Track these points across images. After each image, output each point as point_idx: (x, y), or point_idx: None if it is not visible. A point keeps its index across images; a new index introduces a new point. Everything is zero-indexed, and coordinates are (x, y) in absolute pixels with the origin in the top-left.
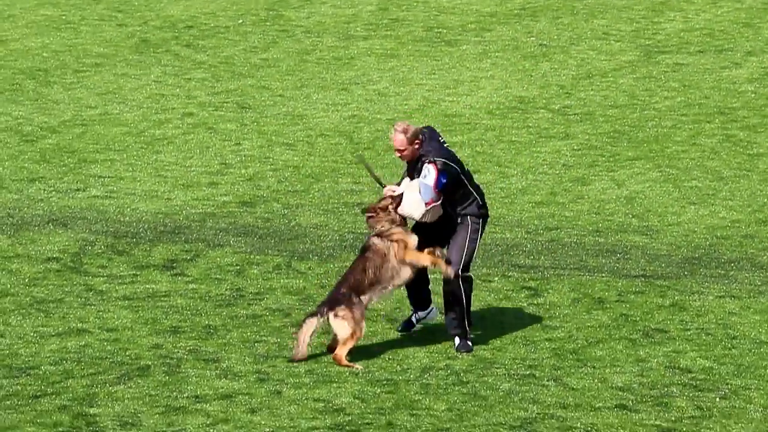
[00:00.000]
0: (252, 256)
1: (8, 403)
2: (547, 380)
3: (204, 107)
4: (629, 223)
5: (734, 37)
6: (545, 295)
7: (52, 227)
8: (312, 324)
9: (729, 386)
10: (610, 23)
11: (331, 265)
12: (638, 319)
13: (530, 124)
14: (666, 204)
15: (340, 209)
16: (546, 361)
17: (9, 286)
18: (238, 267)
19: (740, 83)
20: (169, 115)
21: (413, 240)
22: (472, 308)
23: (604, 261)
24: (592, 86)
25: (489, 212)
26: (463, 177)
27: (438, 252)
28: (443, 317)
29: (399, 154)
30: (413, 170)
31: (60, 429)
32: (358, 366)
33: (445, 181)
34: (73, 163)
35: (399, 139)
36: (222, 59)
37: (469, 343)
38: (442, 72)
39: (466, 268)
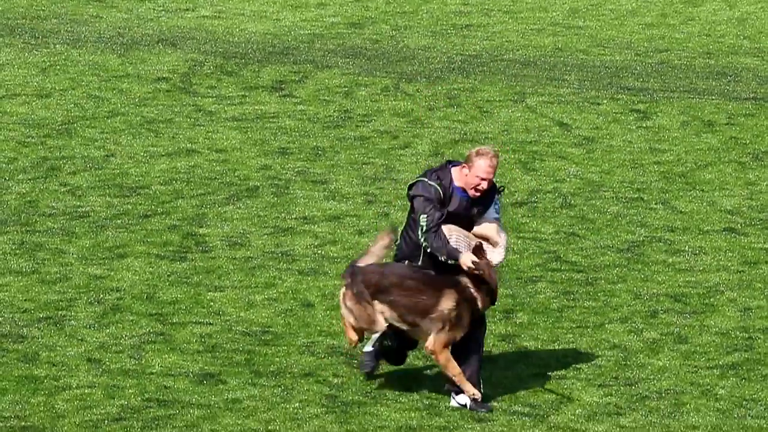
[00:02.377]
0: (360, 78)
1: (119, 221)
2: (655, 203)
3: None
4: (740, 45)
5: None
6: (654, 117)
7: (161, 47)
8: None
9: None
10: None
11: (439, 87)
12: (748, 141)
13: None
14: None
15: (449, 31)
16: (654, 184)
17: (119, 105)
18: (346, 88)
19: None
20: None
21: (459, 334)
22: None
23: (714, 83)
24: None
25: None
26: None
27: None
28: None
29: (485, 186)
30: (470, 208)
31: (170, 248)
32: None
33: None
34: None
35: (493, 165)
36: None
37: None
38: None
39: None
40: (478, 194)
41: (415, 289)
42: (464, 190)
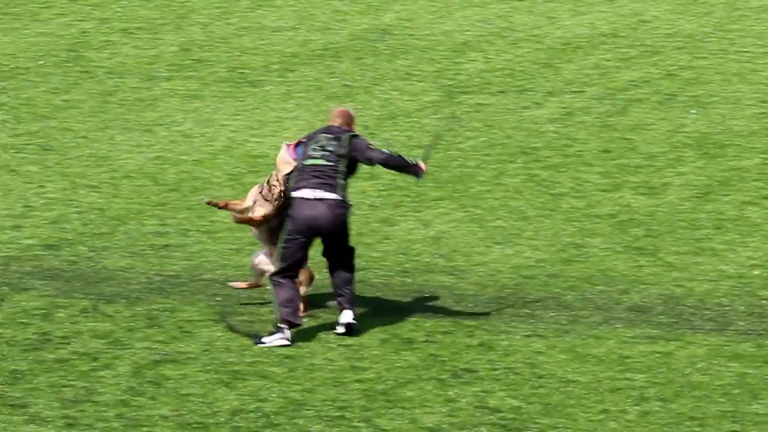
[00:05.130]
0: (58, 300)
1: None
2: (358, 422)
3: (6, 149)
4: (436, 264)
5: (534, 77)
6: (354, 336)
7: None
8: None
9: (537, 425)
10: (412, 64)
11: (139, 308)
12: (447, 359)
13: None
14: (472, 244)
15: (147, 251)
16: (356, 402)
17: None
18: (45, 311)
19: (541, 123)
20: None
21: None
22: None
23: (411, 301)
24: (396, 126)
25: (294, 211)
26: (299, 162)
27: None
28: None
29: None
30: None
31: None
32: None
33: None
34: None
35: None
36: (23, 101)
37: (261, 339)
38: (247, 113)
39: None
40: None
41: None
42: None
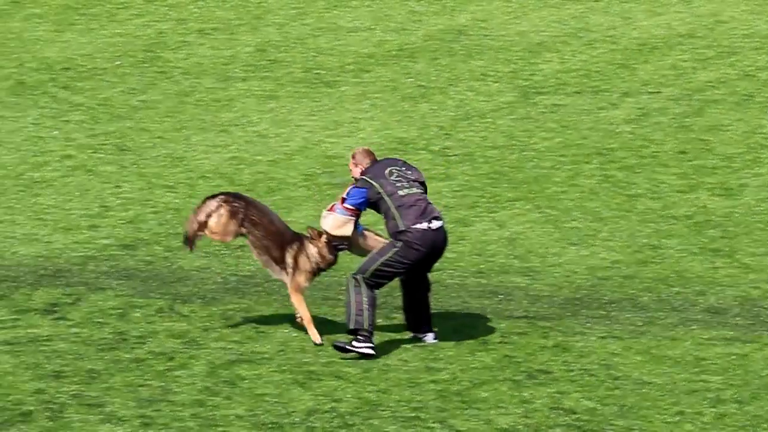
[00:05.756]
0: (134, 300)
1: None
2: (433, 422)
3: (83, 149)
4: (511, 264)
5: (610, 78)
6: (426, 337)
7: None
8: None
9: (612, 427)
10: (487, 64)
11: (214, 308)
12: (522, 360)
13: None
14: (547, 245)
15: (223, 252)
16: (431, 403)
17: None
18: (121, 310)
19: (617, 124)
20: (47, 157)
21: (304, 282)
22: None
23: (486, 302)
24: (471, 127)
25: (424, 246)
26: (388, 199)
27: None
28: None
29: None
30: None
31: None
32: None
33: (357, 198)
34: None
35: (350, 162)
36: (100, 101)
37: (347, 346)
38: (322, 113)
39: (359, 272)
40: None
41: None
42: None
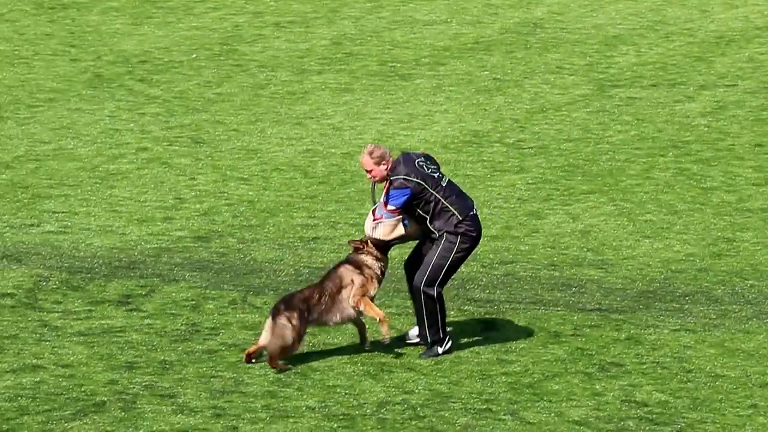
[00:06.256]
0: (207, 291)
1: None
2: (504, 414)
3: (158, 142)
4: (584, 257)
5: (687, 71)
6: (501, 329)
7: (6, 263)
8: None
9: (685, 420)
10: (563, 57)
11: None
12: (594, 353)
13: (485, 158)
14: (620, 238)
15: (295, 244)
16: (502, 395)
17: None
18: (194, 302)
19: (693, 117)
20: (123, 149)
21: (373, 289)
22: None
23: (559, 295)
24: (546, 120)
25: (477, 231)
26: (434, 193)
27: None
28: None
29: (369, 176)
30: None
31: None
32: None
33: (401, 198)
34: (27, 198)
35: (365, 160)
36: (176, 94)
37: (438, 349)
38: (397, 106)
39: (430, 284)
40: (375, 181)
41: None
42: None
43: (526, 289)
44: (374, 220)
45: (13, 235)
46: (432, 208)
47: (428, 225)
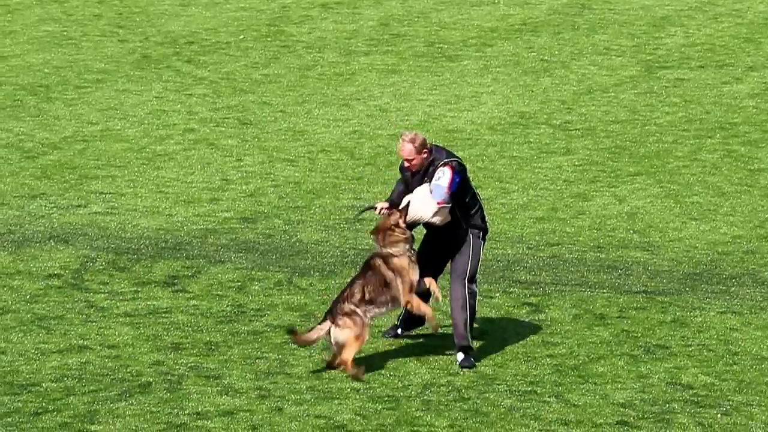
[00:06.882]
0: (253, 273)
1: (9, 420)
2: (549, 396)
3: (205, 123)
4: (630, 239)
5: (735, 52)
6: (546, 311)
7: (53, 244)
8: (316, 335)
9: (730, 403)
10: (610, 38)
11: (333, 281)
12: (639, 335)
13: (531, 140)
14: (667, 220)
15: (341, 225)
16: (547, 378)
17: (10, 302)
18: (240, 283)
19: (741, 98)
20: (170, 131)
21: (416, 275)
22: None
23: (605, 277)
24: (593, 101)
25: (489, 229)
26: (470, 182)
27: (434, 287)
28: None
29: (408, 164)
30: (421, 180)
31: None
32: (363, 377)
33: (458, 180)
34: (74, 179)
35: (407, 149)
36: (223, 75)
37: (472, 359)
38: (444, 87)
39: (472, 280)
40: (413, 169)
41: (355, 286)
42: (408, 169)
43: (571, 271)
44: (438, 204)
45: (61, 216)
46: (468, 199)
47: (461, 216)
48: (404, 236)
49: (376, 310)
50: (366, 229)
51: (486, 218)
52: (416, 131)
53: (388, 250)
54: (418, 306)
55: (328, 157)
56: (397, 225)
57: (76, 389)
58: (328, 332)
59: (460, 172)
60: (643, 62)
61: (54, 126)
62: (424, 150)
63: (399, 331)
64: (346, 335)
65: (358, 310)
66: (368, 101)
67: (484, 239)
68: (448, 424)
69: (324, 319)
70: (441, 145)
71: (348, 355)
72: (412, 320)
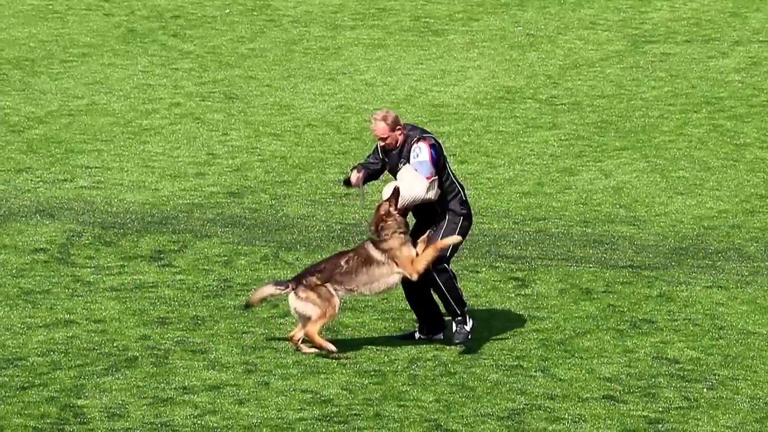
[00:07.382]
0: (239, 247)
1: None
2: (535, 371)
3: (191, 97)
4: (616, 214)
5: (721, 26)
6: (532, 285)
7: (39, 218)
8: (271, 289)
9: (716, 377)
10: (597, 13)
11: (319, 256)
12: (625, 309)
13: (517, 114)
14: (653, 194)
15: (328, 200)
16: (533, 352)
17: None
18: (226, 258)
19: (727, 73)
20: (156, 105)
21: (412, 250)
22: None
23: (591, 251)
24: (579, 76)
25: (472, 216)
26: (447, 165)
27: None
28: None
29: (382, 143)
30: (398, 157)
31: (47, 420)
32: (332, 347)
33: (436, 155)
34: (60, 153)
35: (380, 127)
36: (209, 49)
37: (466, 328)
38: (430, 62)
39: (440, 261)
40: (389, 147)
41: (334, 260)
42: (384, 148)
43: (558, 246)
44: (428, 178)
45: (47, 190)
46: (445, 180)
47: (439, 197)
48: (398, 223)
49: (347, 287)
50: (352, 204)
51: (468, 203)
52: (387, 109)
53: (388, 244)
54: (428, 259)
55: (314, 131)
56: (388, 214)
57: (63, 363)
58: (286, 296)
59: (435, 146)
60: (630, 37)
61: (40, 100)
62: (398, 126)
63: (416, 335)
64: (310, 309)
65: (328, 285)
66: (354, 76)
67: (465, 225)
68: (434, 399)
69: (286, 283)
70: (417, 124)
71: (312, 328)
72: (429, 327)
